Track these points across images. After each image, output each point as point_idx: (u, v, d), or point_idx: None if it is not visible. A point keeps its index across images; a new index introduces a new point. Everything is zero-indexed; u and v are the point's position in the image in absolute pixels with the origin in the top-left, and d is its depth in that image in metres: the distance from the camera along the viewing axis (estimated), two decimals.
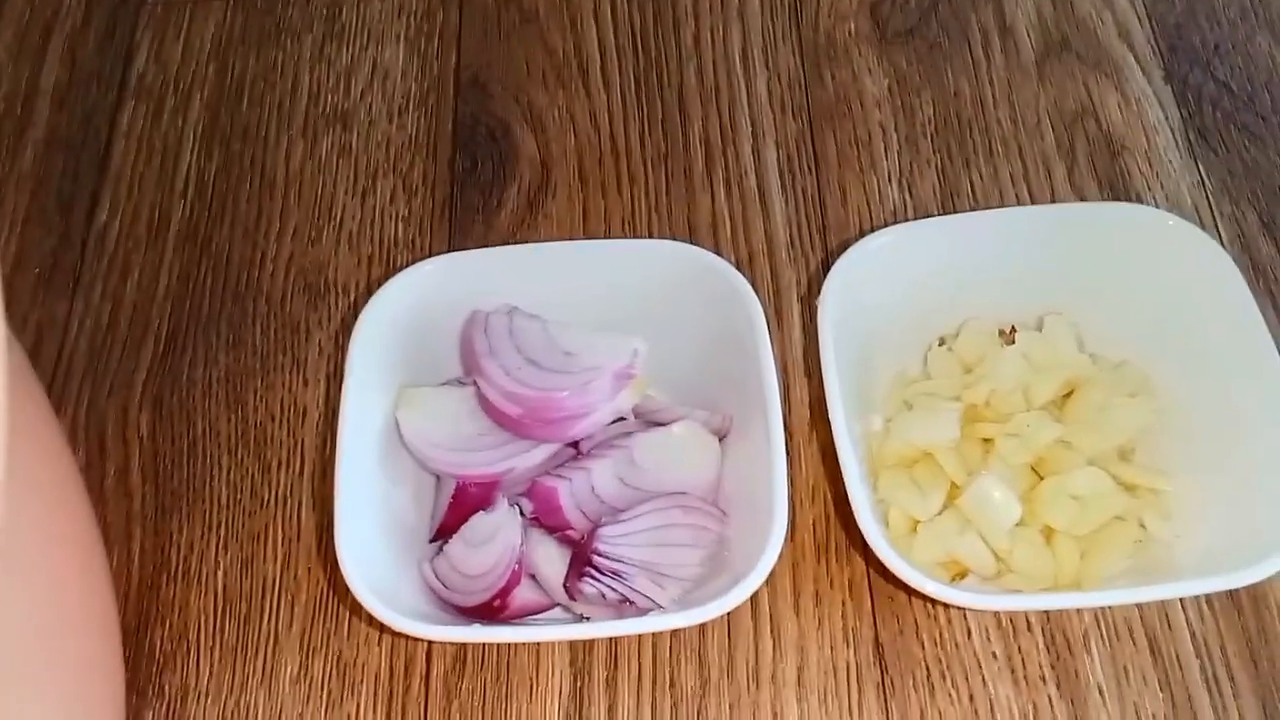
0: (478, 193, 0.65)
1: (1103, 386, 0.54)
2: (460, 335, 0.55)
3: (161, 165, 0.66)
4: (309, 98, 0.68)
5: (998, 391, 0.53)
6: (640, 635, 0.53)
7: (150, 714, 0.52)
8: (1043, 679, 0.51)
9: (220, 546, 0.55)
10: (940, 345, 0.57)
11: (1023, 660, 0.52)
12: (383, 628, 0.53)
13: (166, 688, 0.52)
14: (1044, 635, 0.52)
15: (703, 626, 0.53)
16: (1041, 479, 0.52)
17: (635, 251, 0.57)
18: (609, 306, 0.54)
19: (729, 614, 0.53)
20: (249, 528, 0.56)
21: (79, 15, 0.72)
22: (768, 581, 0.53)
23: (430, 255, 0.55)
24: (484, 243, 0.63)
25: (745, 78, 0.68)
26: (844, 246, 0.54)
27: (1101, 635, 0.52)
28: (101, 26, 0.71)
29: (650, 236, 0.63)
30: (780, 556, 0.51)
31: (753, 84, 0.68)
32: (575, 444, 0.53)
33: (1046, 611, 0.53)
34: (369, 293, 0.53)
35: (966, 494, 0.51)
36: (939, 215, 0.62)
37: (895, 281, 0.54)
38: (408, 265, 0.54)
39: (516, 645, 0.52)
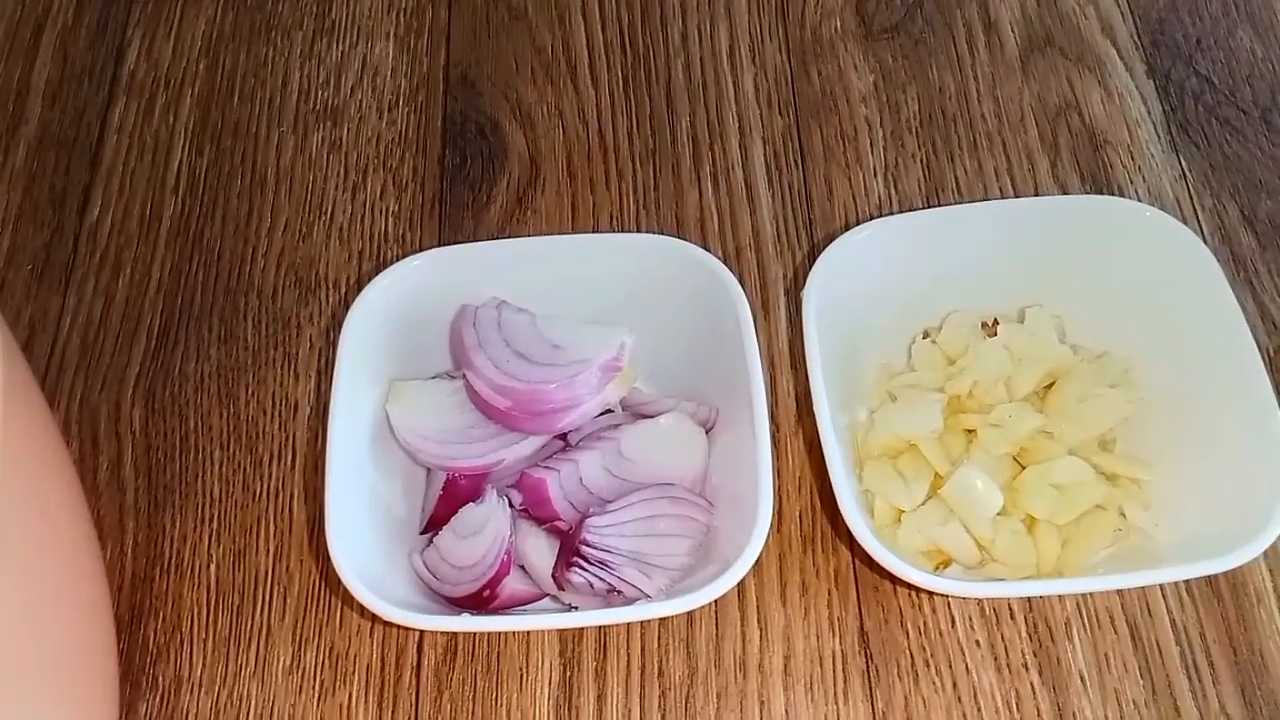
0: (467, 188, 0.65)
1: (1083, 378, 0.54)
2: (450, 329, 0.55)
3: (153, 161, 0.67)
4: (299, 94, 0.69)
5: (980, 383, 0.54)
6: (629, 626, 0.53)
7: (144, 705, 0.52)
8: (1025, 666, 0.52)
9: (213, 539, 0.56)
10: (924, 338, 0.57)
11: (1006, 648, 0.53)
12: (374, 619, 0.53)
13: (160, 679, 0.53)
14: (1026, 624, 0.53)
15: (690, 617, 0.53)
16: (1023, 469, 0.53)
17: (623, 246, 0.58)
18: (597, 300, 0.54)
19: (716, 604, 0.53)
20: (241, 521, 0.56)
21: (70, 13, 0.72)
22: (755, 573, 0.54)
23: (420, 250, 0.55)
24: (473, 238, 0.63)
25: (732, 74, 0.69)
26: (830, 240, 0.54)
27: (1083, 623, 0.53)
28: (93, 24, 0.72)
29: (638, 231, 0.63)
30: (767, 547, 0.52)
31: (740, 80, 0.68)
32: (564, 436, 0.54)
33: (1029, 600, 0.53)
34: (359, 287, 0.54)
35: (949, 484, 0.51)
36: (923, 209, 0.63)
37: (879, 274, 0.55)
38: (398, 260, 0.54)
39: (507, 637, 0.53)
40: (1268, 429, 0.48)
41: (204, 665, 0.53)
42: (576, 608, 0.51)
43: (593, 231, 0.64)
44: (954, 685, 0.52)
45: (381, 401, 0.53)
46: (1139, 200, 0.63)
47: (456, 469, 0.52)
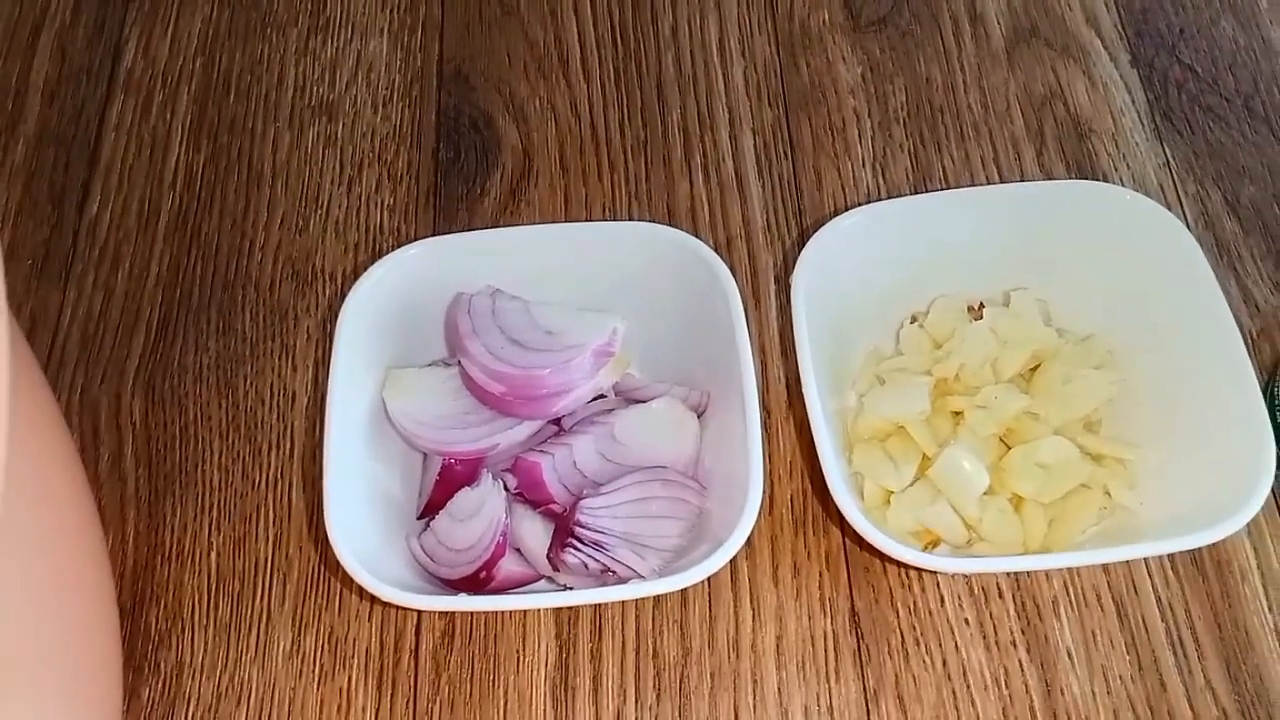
0: (461, 181, 0.66)
1: (1068, 360, 0.55)
2: (445, 317, 0.56)
3: (151, 157, 0.67)
4: (295, 90, 0.70)
5: (967, 366, 0.55)
6: (623, 608, 0.54)
7: (146, 690, 0.53)
8: (1013, 644, 0.53)
9: (213, 528, 0.57)
10: (911, 322, 0.58)
11: (994, 626, 0.53)
12: (373, 602, 0.54)
13: (162, 665, 0.54)
14: (1015, 602, 0.54)
15: (684, 598, 0.54)
16: (1010, 449, 0.54)
17: (615, 234, 0.58)
18: (590, 287, 0.55)
19: (709, 586, 0.54)
20: (241, 509, 0.57)
21: (68, 12, 0.73)
22: (747, 554, 0.55)
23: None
24: (467, 230, 0.64)
25: (722, 67, 0.70)
26: (819, 229, 0.55)
27: (1070, 601, 0.54)
28: (90, 22, 0.73)
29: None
30: (759, 530, 0.53)
31: (729, 73, 0.69)
32: (557, 421, 0.55)
33: (1017, 579, 0.54)
34: (355, 279, 0.55)
35: (937, 465, 0.52)
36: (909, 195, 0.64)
37: (867, 260, 0.55)
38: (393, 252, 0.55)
39: (503, 619, 0.54)
40: (1249, 408, 0.49)
41: (205, 651, 0.54)
42: (571, 589, 0.52)
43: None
44: (944, 663, 0.53)
45: (378, 389, 0.54)
46: (1123, 187, 0.63)
47: (452, 454, 0.53)
